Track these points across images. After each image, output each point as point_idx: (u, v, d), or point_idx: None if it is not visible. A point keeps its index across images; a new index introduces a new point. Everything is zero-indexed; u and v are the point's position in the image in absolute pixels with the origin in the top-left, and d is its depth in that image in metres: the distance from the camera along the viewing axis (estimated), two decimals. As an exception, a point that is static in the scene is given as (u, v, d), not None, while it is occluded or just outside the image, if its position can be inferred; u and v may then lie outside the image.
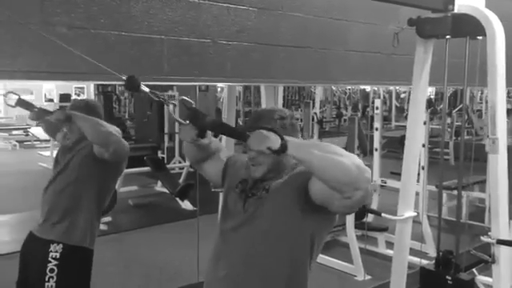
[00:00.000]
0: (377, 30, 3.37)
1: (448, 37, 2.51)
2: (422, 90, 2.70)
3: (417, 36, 2.61)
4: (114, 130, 2.55)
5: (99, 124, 2.54)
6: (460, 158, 2.89)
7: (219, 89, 11.80)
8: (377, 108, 5.41)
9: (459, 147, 2.89)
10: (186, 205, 6.58)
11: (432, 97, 18.26)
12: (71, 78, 2.27)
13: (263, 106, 3.91)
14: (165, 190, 6.75)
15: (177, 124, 8.75)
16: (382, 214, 3.07)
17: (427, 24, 2.48)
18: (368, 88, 16.09)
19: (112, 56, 2.26)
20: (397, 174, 8.11)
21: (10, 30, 1.97)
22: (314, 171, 1.48)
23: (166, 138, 9.08)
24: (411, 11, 3.42)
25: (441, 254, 2.67)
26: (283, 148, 1.47)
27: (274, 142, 1.46)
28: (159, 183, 7.21)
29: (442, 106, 11.04)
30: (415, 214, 2.84)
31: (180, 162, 8.54)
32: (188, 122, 1.64)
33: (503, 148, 2.41)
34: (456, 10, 2.44)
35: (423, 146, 4.98)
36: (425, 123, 10.16)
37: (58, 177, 2.65)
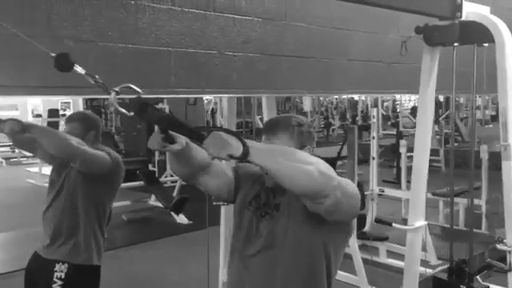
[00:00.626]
0: (378, 39, 3.37)
1: (456, 44, 2.49)
2: (430, 98, 2.69)
3: (424, 44, 2.59)
4: (76, 141, 2.47)
5: (58, 136, 2.46)
6: (450, 165, 2.85)
7: (205, 101, 11.77)
8: (373, 117, 5.40)
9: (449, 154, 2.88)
10: (181, 219, 6.50)
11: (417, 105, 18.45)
12: (77, 93, 2.21)
13: (258, 116, 3.87)
14: (159, 204, 6.66)
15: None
16: (393, 224, 3.03)
17: (435, 32, 2.47)
18: (356, 97, 16.20)
19: (119, 69, 2.21)
20: (390, 183, 8.17)
21: (16, 44, 1.91)
22: (279, 179, 1.41)
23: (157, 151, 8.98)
24: (411, 20, 3.43)
25: (454, 262, 2.64)
26: (245, 155, 1.36)
27: (236, 148, 1.36)
28: (153, 197, 7.11)
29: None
30: (425, 223, 2.81)
31: (172, 176, 8.44)
32: (132, 113, 1.39)
33: (515, 154, 2.39)
34: (463, 18, 2.43)
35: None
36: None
37: (56, 197, 2.59)
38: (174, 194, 7.33)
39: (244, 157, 1.36)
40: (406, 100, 18.53)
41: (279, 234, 1.63)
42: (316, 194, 1.41)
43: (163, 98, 9.13)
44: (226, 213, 3.72)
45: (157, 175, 8.19)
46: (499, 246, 2.41)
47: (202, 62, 2.49)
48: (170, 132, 1.51)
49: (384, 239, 4.66)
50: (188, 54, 2.43)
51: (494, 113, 13.25)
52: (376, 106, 13.09)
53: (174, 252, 5.59)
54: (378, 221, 3.57)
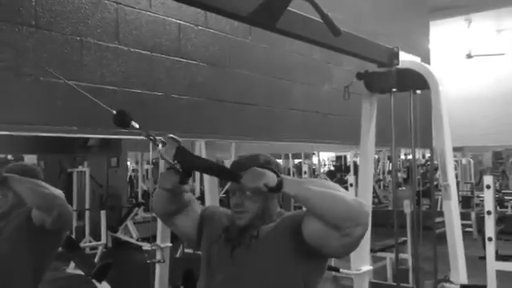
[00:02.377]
0: (314, 90, 3.49)
1: (394, 90, 2.63)
2: (371, 144, 2.78)
3: (363, 91, 2.71)
4: (58, 192, 2.27)
5: (40, 186, 2.23)
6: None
7: (128, 163, 11.43)
8: (305, 172, 5.49)
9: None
10: (104, 287, 6.04)
11: (331, 166, 19.07)
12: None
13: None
14: (79, 272, 6.17)
15: (88, 199, 8.22)
16: (341, 270, 3.00)
17: (375, 78, 2.60)
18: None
19: (61, 105, 2.08)
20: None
21: None
22: (313, 208, 1.40)
23: (75, 215, 8.45)
24: (343, 74, 3.61)
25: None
26: (280, 185, 1.40)
27: (271, 178, 1.40)
28: (71, 265, 6.59)
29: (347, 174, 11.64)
30: (371, 267, 2.81)
31: (91, 242, 7.93)
32: (176, 161, 1.48)
33: (455, 194, 2.50)
34: (400, 66, 2.59)
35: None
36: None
37: None
38: (96, 260, 6.87)
39: (279, 186, 1.40)
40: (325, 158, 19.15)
41: (257, 262, 1.54)
42: (350, 220, 1.36)
43: (83, 161, 8.76)
44: (161, 283, 3.51)
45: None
46: (447, 285, 2.45)
47: (148, 102, 2.42)
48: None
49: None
50: (134, 94, 2.36)
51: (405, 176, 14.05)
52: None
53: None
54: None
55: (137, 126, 1.51)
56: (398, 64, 2.56)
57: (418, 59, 2.74)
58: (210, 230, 1.70)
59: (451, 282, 2.43)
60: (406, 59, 2.62)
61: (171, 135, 1.50)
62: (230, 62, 2.84)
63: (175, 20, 2.54)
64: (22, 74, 1.97)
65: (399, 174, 18.82)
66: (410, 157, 12.96)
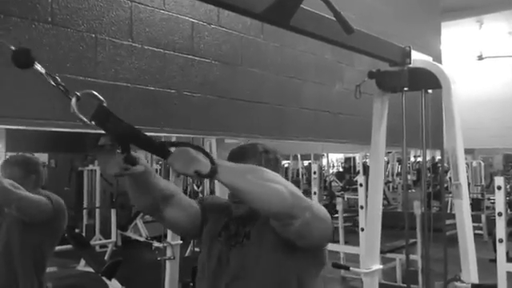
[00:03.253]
0: (325, 89, 3.50)
1: (405, 89, 2.63)
2: (382, 143, 2.78)
3: (374, 90, 2.72)
4: (10, 184, 2.28)
5: None
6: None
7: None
8: (314, 172, 5.49)
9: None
10: (114, 284, 6.07)
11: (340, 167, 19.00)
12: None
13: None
14: (89, 269, 6.21)
15: (98, 197, 8.27)
16: (351, 268, 3.01)
17: (386, 77, 2.60)
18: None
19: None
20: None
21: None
22: (248, 199, 1.37)
23: (85, 213, 8.52)
24: (354, 74, 3.62)
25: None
26: (213, 172, 1.29)
27: (204, 165, 1.28)
28: (82, 262, 6.64)
29: (357, 175, 11.61)
30: (381, 266, 2.81)
31: (100, 240, 7.99)
32: (93, 122, 1.29)
33: (466, 193, 2.50)
34: (412, 65, 2.59)
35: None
36: (342, 196, 10.53)
37: None
38: (106, 258, 6.92)
39: (212, 174, 1.29)
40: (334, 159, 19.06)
41: (250, 263, 1.55)
42: (285, 214, 1.38)
43: (94, 160, 8.82)
44: (171, 280, 3.53)
45: (84, 240, 7.72)
46: (457, 284, 2.44)
47: (161, 100, 2.44)
48: (132, 153, 1.36)
49: None
50: (147, 91, 2.38)
51: (415, 178, 13.97)
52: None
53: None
54: (335, 265, 3.55)
55: (42, 70, 1.29)
56: (410, 63, 2.56)
57: (429, 58, 2.74)
58: (212, 225, 1.68)
59: (462, 282, 2.43)
60: (417, 58, 2.62)
61: (92, 91, 1.33)
62: (241, 60, 2.86)
63: (188, 18, 2.56)
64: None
65: (409, 177, 18.79)
66: (419, 159, 12.87)
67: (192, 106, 2.57)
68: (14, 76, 1.91)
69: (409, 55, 2.54)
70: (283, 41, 3.13)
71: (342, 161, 19.37)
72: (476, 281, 2.44)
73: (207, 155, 1.30)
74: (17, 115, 1.94)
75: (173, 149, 1.31)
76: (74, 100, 1.29)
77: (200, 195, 7.91)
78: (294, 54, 3.22)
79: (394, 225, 7.24)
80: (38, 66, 1.27)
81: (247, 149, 1.70)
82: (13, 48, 1.25)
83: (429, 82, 2.60)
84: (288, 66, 3.18)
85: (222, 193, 3.13)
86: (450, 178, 11.09)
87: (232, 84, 2.80)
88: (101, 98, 1.30)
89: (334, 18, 1.86)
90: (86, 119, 1.28)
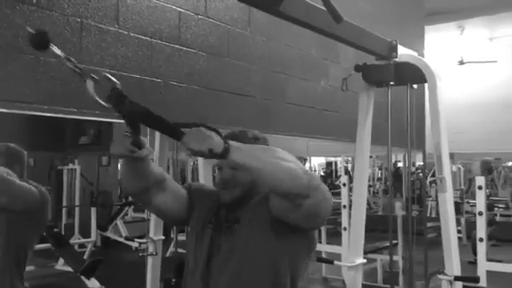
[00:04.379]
0: (310, 85, 3.51)
1: (391, 83, 2.64)
2: (367, 137, 2.79)
3: (361, 83, 2.73)
4: (6, 174, 2.22)
5: None
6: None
7: (119, 163, 11.34)
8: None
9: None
10: (93, 283, 5.97)
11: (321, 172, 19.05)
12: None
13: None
14: (68, 269, 6.11)
15: (78, 195, 8.15)
16: (335, 262, 3.00)
17: (373, 70, 2.61)
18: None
19: (59, 86, 2.07)
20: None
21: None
22: (261, 178, 1.35)
23: (65, 212, 8.38)
24: (339, 71, 3.63)
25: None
26: (226, 151, 1.27)
27: (217, 143, 1.27)
28: (60, 261, 6.52)
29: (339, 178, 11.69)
30: (364, 260, 2.81)
31: (80, 239, 7.86)
32: (109, 105, 1.29)
33: (450, 187, 2.51)
34: (398, 59, 2.60)
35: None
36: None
37: None
38: (85, 257, 6.81)
39: (225, 152, 1.27)
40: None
41: (240, 247, 1.52)
42: (299, 192, 1.34)
43: (74, 159, 8.70)
44: (153, 276, 3.48)
45: (62, 240, 7.59)
46: (441, 277, 2.46)
47: (147, 89, 2.41)
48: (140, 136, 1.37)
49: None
50: (132, 79, 2.35)
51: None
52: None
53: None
54: (319, 259, 3.55)
55: (58, 52, 1.28)
56: (396, 57, 2.58)
57: (415, 54, 2.76)
58: (200, 211, 1.64)
59: (445, 274, 2.44)
60: (403, 53, 2.64)
61: (107, 74, 1.32)
62: (228, 52, 2.85)
63: (176, 7, 2.54)
64: (23, 52, 1.96)
65: (388, 183, 18.94)
66: (400, 164, 12.96)
67: (178, 96, 2.54)
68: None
69: (395, 49, 2.55)
70: (270, 35, 3.14)
71: (324, 166, 19.44)
72: (459, 273, 2.45)
73: (220, 135, 1.29)
74: (1, 97, 1.90)
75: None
76: (90, 82, 1.30)
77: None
78: (281, 48, 3.23)
79: (375, 228, 7.30)
80: (55, 48, 1.27)
81: (236, 135, 1.68)
82: (30, 30, 1.25)
83: (414, 76, 2.62)
84: (274, 60, 3.18)
85: (206, 182, 3.11)
86: (429, 182, 11.18)
87: (218, 76, 2.79)
88: (115, 80, 1.30)
89: (323, 8, 1.86)
90: (103, 102, 1.29)
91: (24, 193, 2.22)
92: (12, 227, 2.25)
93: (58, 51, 1.26)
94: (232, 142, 1.30)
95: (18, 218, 2.23)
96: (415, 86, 2.75)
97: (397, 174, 13.25)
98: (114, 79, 1.29)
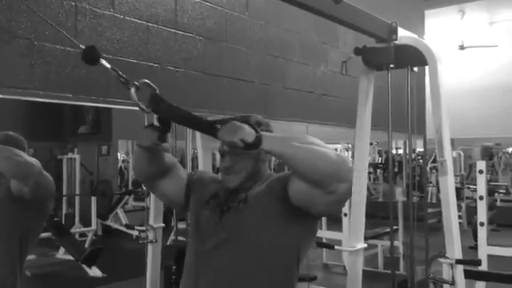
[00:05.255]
0: (309, 70, 3.47)
1: (391, 66, 2.60)
2: (367, 122, 2.76)
3: (361, 67, 2.69)
4: (34, 160, 2.19)
5: (14, 154, 2.13)
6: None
7: (118, 154, 11.35)
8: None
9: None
10: (95, 272, 5.99)
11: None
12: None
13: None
14: (69, 258, 6.12)
15: (78, 185, 8.16)
16: (335, 247, 2.99)
17: (373, 53, 2.58)
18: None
19: (54, 71, 2.04)
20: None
21: None
22: (295, 165, 1.35)
23: (65, 202, 8.39)
24: (338, 56, 3.60)
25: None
26: (258, 141, 1.32)
27: (249, 133, 1.32)
28: (61, 250, 6.53)
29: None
30: (365, 245, 2.80)
31: (80, 228, 7.86)
32: (149, 109, 1.39)
33: (451, 170, 2.49)
34: (398, 41, 2.57)
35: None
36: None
37: None
38: (86, 245, 6.83)
39: (257, 141, 1.32)
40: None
41: (246, 226, 1.51)
42: (334, 176, 1.32)
43: (74, 148, 8.68)
44: (153, 264, 3.47)
45: (63, 229, 7.59)
46: (442, 260, 2.44)
47: (143, 73, 2.37)
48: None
49: (312, 279, 4.60)
50: (129, 63, 2.32)
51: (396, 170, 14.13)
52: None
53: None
54: (320, 245, 3.54)
55: (107, 65, 1.40)
56: (396, 39, 2.54)
57: (415, 36, 2.72)
58: (199, 195, 1.66)
59: (446, 258, 2.43)
60: (404, 35, 2.60)
61: (146, 80, 1.42)
62: (226, 36, 2.81)
63: (172, -9, 2.51)
64: (17, 36, 1.92)
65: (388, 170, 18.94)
66: (400, 151, 12.99)
67: (175, 81, 2.51)
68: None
69: (395, 31, 2.52)
70: (268, 19, 3.10)
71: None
72: (460, 256, 2.44)
73: (252, 126, 1.34)
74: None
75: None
76: (133, 90, 1.41)
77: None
78: (279, 32, 3.19)
79: (375, 214, 7.30)
80: (104, 62, 1.41)
81: (239, 120, 1.67)
82: (82, 46, 1.41)
83: (415, 59, 2.58)
84: (273, 44, 3.15)
85: (205, 169, 3.09)
86: (430, 168, 11.16)
87: (216, 60, 2.75)
88: (154, 86, 1.41)
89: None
90: (144, 107, 1.39)
91: (48, 180, 2.18)
92: (18, 215, 2.20)
93: (106, 64, 1.41)
94: (264, 133, 1.35)
95: (25, 207, 2.19)
96: (415, 69, 2.71)
97: (399, 161, 13.24)
98: (153, 85, 1.41)
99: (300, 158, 1.32)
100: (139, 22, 2.36)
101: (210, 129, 1.36)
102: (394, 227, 6.18)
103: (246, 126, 1.33)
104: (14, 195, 2.14)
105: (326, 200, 1.37)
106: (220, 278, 1.50)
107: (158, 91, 1.40)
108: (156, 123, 1.46)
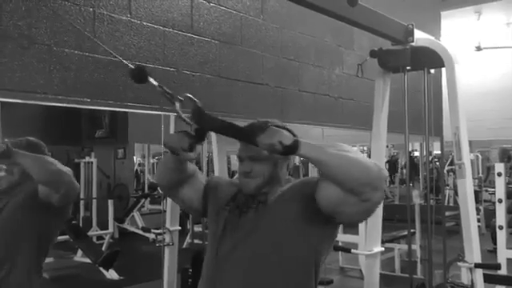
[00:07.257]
0: (325, 73, 3.46)
1: (408, 68, 2.59)
2: (383, 124, 2.75)
3: (377, 69, 2.68)
4: (66, 169, 2.21)
5: (48, 162, 2.16)
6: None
7: (135, 157, 11.44)
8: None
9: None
10: (112, 274, 6.04)
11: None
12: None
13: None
14: (86, 260, 6.18)
15: (95, 188, 8.23)
16: (352, 250, 2.98)
17: (389, 55, 2.57)
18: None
19: (73, 76, 2.07)
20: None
21: None
22: (331, 172, 1.36)
23: (82, 205, 8.47)
24: (353, 59, 3.58)
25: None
26: (295, 144, 1.34)
27: (286, 137, 1.34)
28: (79, 253, 6.59)
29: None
30: (382, 249, 2.78)
31: (97, 231, 7.93)
32: (193, 121, 1.45)
33: (469, 172, 2.47)
34: (414, 43, 2.55)
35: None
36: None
37: None
38: (103, 248, 6.88)
39: (295, 145, 1.34)
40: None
41: (265, 227, 1.51)
42: (369, 184, 1.32)
43: (91, 152, 8.77)
44: (170, 267, 3.49)
45: (81, 232, 7.67)
46: (460, 264, 2.42)
47: (159, 78, 2.39)
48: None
49: (329, 283, 4.58)
50: (146, 68, 2.33)
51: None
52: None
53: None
54: (336, 248, 3.53)
55: (155, 82, 1.48)
56: (412, 41, 2.53)
57: (431, 38, 2.70)
58: (216, 200, 1.68)
59: (465, 261, 2.40)
60: (420, 37, 2.59)
61: (189, 94, 1.46)
62: (241, 40, 2.82)
63: (187, -4, 2.52)
64: (36, 42, 1.95)
65: (405, 171, 18.82)
66: (416, 153, 12.83)
67: (191, 85, 2.53)
68: (11, 49, 1.88)
69: (411, 33, 2.50)
70: (283, 22, 3.10)
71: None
72: (479, 260, 2.41)
73: (290, 131, 1.41)
74: (13, 88, 1.90)
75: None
76: (177, 104, 1.48)
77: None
78: (294, 35, 3.19)
79: (391, 217, 7.23)
80: (151, 80, 1.50)
81: (258, 126, 1.68)
82: (131, 66, 1.52)
83: (431, 60, 2.57)
84: (288, 47, 3.15)
85: (221, 173, 3.11)
86: (447, 171, 11.01)
87: (232, 64, 2.76)
88: (196, 100, 1.46)
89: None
90: (189, 120, 1.45)
91: (77, 189, 2.20)
92: (40, 219, 2.22)
93: (154, 82, 1.49)
94: (301, 139, 1.36)
95: (49, 212, 2.20)
96: (432, 70, 2.69)
97: (413, 162, 13.13)
98: (194, 99, 1.45)
99: (336, 164, 1.34)
100: (156, 27, 2.38)
101: (250, 137, 1.40)
102: (411, 230, 6.13)
103: (285, 131, 1.37)
104: (40, 199, 2.15)
105: (359, 208, 1.38)
106: (239, 277, 1.51)
107: (199, 104, 1.46)
108: (190, 131, 1.50)
